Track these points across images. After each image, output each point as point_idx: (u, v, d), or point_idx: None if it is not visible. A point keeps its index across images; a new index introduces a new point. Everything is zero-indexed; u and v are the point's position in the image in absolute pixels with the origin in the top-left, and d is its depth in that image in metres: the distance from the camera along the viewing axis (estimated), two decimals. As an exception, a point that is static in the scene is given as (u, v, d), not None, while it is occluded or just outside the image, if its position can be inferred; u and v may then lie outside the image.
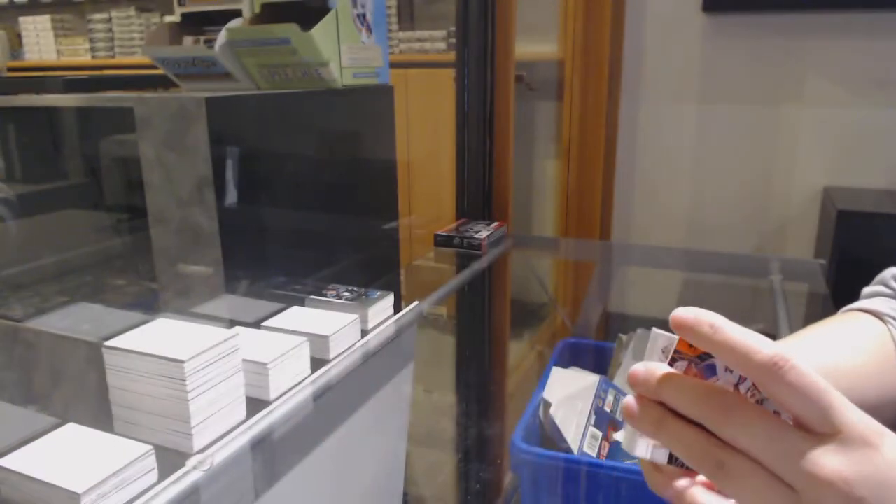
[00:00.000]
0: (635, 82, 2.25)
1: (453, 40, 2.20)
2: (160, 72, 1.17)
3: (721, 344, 0.33)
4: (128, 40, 3.53)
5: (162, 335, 0.70)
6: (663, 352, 0.36)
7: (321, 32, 1.03)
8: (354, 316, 0.92)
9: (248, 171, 0.90)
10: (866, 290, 0.58)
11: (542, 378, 0.99)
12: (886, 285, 0.56)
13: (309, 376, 0.83)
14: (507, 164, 1.70)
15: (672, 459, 0.38)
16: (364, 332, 0.95)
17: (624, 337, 1.07)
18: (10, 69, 3.68)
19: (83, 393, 0.78)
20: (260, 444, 0.72)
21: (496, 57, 1.64)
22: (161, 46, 1.13)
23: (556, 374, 0.99)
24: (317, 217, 1.10)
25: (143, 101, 0.87)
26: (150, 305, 0.99)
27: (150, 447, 0.61)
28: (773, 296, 1.38)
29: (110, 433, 0.64)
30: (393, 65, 1.27)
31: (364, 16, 1.13)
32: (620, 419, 0.93)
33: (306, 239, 1.09)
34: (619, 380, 1.03)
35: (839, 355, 0.51)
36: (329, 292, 1.00)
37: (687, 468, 0.38)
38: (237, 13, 1.08)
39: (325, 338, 0.86)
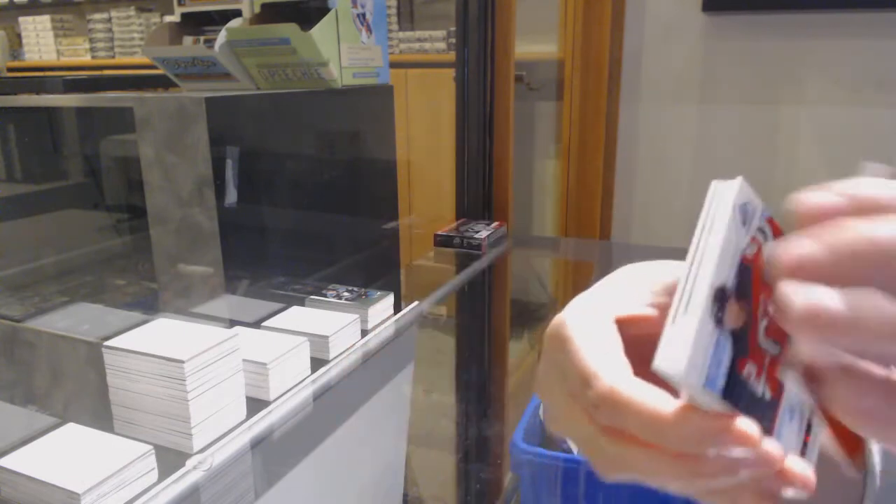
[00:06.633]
0: (635, 82, 2.25)
1: (453, 40, 2.19)
2: (160, 72, 1.17)
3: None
4: (128, 40, 3.53)
5: (162, 335, 0.69)
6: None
7: (321, 32, 1.03)
8: (354, 316, 0.92)
9: (248, 171, 0.90)
10: None
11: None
12: None
13: (309, 376, 0.83)
14: (506, 163, 1.70)
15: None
16: (364, 332, 0.95)
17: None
18: (10, 69, 3.68)
19: (83, 393, 0.78)
20: (260, 444, 0.72)
21: (496, 57, 1.64)
22: (161, 46, 1.13)
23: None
24: (317, 217, 1.10)
25: (142, 101, 0.87)
26: (150, 305, 0.99)
27: (150, 447, 0.61)
28: (774, 296, 1.38)
29: (110, 433, 0.64)
30: (393, 65, 1.27)
31: (364, 15, 1.13)
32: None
33: (306, 239, 1.09)
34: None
35: None
36: (329, 292, 1.00)
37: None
38: (237, 13, 1.07)
39: (325, 338, 0.86)
